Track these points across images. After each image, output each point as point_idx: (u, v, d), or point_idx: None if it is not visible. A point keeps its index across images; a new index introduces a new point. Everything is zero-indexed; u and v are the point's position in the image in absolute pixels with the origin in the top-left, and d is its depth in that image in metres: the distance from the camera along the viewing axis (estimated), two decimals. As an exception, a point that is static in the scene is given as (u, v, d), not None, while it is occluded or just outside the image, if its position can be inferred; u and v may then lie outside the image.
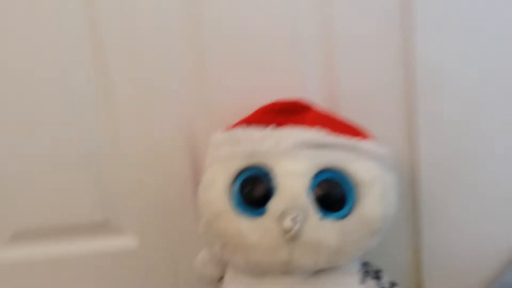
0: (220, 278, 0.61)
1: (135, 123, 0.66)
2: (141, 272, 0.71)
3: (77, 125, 0.67)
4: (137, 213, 0.70)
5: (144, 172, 0.68)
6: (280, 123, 0.55)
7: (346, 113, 0.62)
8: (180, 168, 0.67)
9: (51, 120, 0.66)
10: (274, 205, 0.52)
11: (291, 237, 0.50)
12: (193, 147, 0.67)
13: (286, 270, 0.54)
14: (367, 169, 0.54)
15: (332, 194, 0.53)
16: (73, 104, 0.66)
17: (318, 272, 0.55)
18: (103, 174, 0.68)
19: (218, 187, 0.54)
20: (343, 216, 0.53)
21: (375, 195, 0.53)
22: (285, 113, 0.57)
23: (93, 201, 0.69)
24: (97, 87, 0.65)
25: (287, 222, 0.50)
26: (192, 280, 0.67)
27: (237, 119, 0.59)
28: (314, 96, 0.62)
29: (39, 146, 0.67)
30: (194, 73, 0.64)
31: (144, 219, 0.70)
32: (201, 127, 0.66)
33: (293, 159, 0.53)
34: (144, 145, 0.67)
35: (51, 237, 0.71)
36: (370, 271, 0.58)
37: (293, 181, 0.52)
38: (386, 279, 0.58)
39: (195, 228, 0.61)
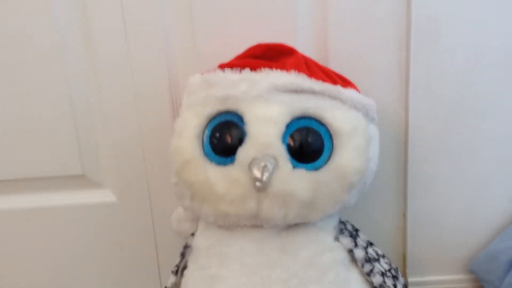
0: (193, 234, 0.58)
1: (117, 69, 0.63)
2: (119, 226, 0.70)
3: (58, 75, 0.64)
4: (116, 167, 0.68)
5: (124, 124, 0.66)
6: (258, 67, 0.52)
7: (336, 67, 0.59)
8: (161, 119, 0.65)
9: (31, 70, 0.64)
10: (244, 153, 0.48)
11: (260, 187, 0.47)
12: (176, 98, 0.64)
13: (256, 223, 0.51)
14: (347, 119, 0.50)
15: (307, 143, 0.49)
16: (55, 52, 0.63)
17: (291, 226, 0.51)
18: (82, 127, 0.66)
19: (188, 133, 0.51)
20: (318, 167, 0.49)
21: (354, 146, 0.49)
22: (265, 57, 0.53)
23: (72, 154, 0.67)
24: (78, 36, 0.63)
25: (256, 171, 0.47)
26: (171, 233, 0.64)
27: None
28: (304, 47, 0.59)
29: (18, 97, 0.65)
30: (181, 16, 0.61)
31: (122, 174, 0.68)
32: (186, 75, 0.60)
33: (267, 104, 0.49)
34: (125, 94, 0.64)
35: (29, 189, 0.69)
36: (347, 229, 0.54)
37: (264, 128, 0.48)
38: (363, 237, 0.55)
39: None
